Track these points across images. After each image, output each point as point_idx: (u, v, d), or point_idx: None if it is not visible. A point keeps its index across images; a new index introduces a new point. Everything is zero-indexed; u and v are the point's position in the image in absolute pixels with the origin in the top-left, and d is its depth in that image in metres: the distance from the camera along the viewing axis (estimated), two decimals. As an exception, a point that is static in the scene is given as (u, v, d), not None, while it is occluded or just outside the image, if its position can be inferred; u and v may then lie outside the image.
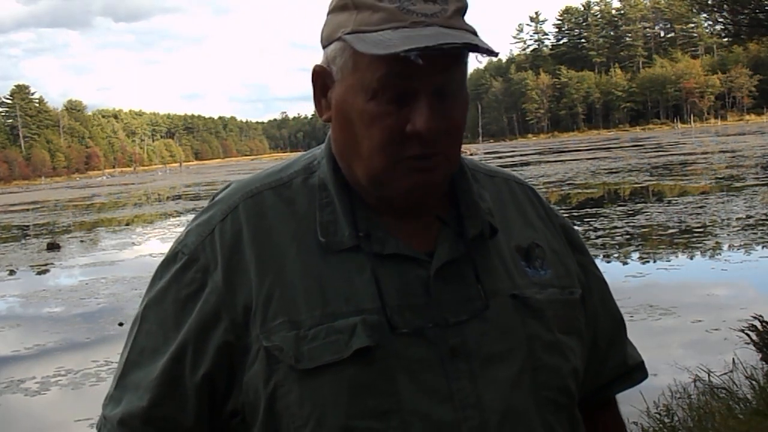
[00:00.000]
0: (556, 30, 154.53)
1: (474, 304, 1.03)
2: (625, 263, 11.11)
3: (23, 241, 21.45)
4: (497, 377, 1.01)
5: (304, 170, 1.10)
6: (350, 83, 0.99)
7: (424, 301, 1.01)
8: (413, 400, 0.98)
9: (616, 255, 11.68)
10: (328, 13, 1.03)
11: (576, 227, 1.34)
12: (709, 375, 4.95)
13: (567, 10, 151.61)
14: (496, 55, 0.95)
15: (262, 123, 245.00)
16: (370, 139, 0.99)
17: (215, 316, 1.02)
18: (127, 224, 24.83)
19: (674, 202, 17.57)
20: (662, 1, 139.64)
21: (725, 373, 4.96)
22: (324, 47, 1.04)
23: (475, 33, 0.98)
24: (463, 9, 0.99)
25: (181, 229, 1.13)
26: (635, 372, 1.24)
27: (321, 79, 1.04)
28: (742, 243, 11.84)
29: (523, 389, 1.02)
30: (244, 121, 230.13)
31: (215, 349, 1.02)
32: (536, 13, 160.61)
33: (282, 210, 1.06)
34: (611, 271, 10.08)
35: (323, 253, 1.03)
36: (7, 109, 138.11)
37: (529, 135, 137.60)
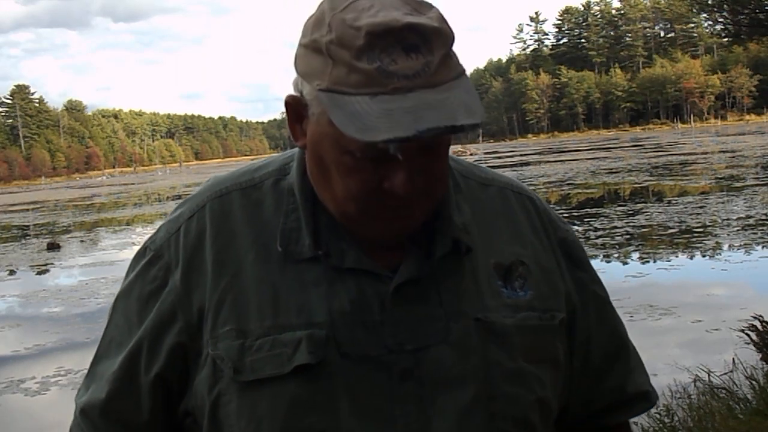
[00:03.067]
0: (556, 30, 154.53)
1: (434, 326, 0.98)
2: (625, 263, 11.10)
3: (23, 241, 21.46)
4: (449, 404, 0.97)
5: (278, 171, 1.06)
6: (326, 132, 0.92)
7: (380, 319, 0.97)
8: (353, 422, 0.95)
9: (616, 255, 11.67)
10: (301, 44, 0.95)
11: (576, 227, 1.30)
12: (709, 375, 4.95)
13: (567, 10, 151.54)
14: (478, 126, 0.87)
15: (262, 123, 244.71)
16: (345, 188, 0.94)
17: (171, 316, 1.01)
18: (127, 224, 24.86)
19: (674, 202, 17.56)
20: (662, 1, 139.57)
21: (725, 373, 4.95)
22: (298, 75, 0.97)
23: (461, 75, 0.91)
24: (450, 53, 0.90)
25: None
26: (636, 401, 1.15)
27: (294, 108, 0.97)
28: (742, 243, 11.83)
29: (476, 418, 0.97)
30: (244, 121, 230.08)
31: (168, 350, 1.01)
32: (536, 13, 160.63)
33: (248, 212, 1.03)
34: (611, 271, 10.09)
35: (282, 261, 0.99)
36: (7, 109, 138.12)
37: (529, 135, 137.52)
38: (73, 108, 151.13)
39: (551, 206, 1.23)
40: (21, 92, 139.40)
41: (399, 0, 0.91)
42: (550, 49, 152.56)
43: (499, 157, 51.96)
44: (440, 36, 0.89)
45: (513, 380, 1.00)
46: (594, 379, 1.12)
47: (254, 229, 1.02)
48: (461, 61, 0.94)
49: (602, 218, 15.52)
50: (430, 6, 0.94)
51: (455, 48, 0.93)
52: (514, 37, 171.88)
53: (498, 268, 1.04)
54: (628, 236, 13.29)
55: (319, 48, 0.90)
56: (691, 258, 11.30)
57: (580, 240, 1.20)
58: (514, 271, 1.05)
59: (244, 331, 0.98)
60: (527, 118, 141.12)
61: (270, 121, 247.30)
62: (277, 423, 0.96)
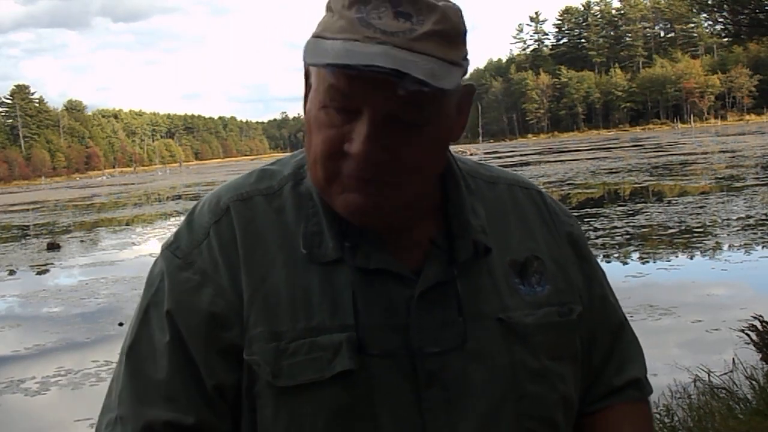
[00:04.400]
0: (556, 30, 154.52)
1: (457, 329, 0.98)
2: (625, 263, 11.10)
3: (23, 241, 21.44)
4: (475, 407, 0.96)
5: (294, 176, 1.05)
6: (312, 87, 0.96)
7: (406, 322, 0.96)
8: (389, 428, 0.94)
9: (616, 255, 11.67)
10: None
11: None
12: (709, 375, 4.95)
13: (567, 10, 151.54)
14: (427, 85, 0.84)
15: (262, 123, 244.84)
16: (315, 147, 0.95)
17: (214, 316, 0.99)
18: (127, 224, 24.84)
19: (674, 202, 17.56)
20: (662, 1, 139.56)
21: (725, 373, 4.95)
22: None
23: (453, 63, 0.89)
24: (444, 33, 0.89)
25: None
26: (629, 388, 1.13)
27: (305, 77, 1.00)
28: (742, 243, 11.83)
29: (504, 420, 0.97)
30: (244, 121, 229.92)
31: (220, 350, 0.98)
32: (536, 13, 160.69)
33: (272, 218, 1.02)
34: (611, 271, 10.05)
35: (309, 264, 0.98)
36: (7, 109, 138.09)
37: (529, 135, 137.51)
38: (73, 108, 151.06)
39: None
40: (21, 92, 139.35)
41: None
42: (550, 49, 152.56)
43: (500, 157, 51.95)
44: (437, 13, 0.89)
45: (538, 380, 1.00)
46: (596, 372, 1.12)
47: (279, 233, 1.00)
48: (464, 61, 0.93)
49: (602, 218, 15.51)
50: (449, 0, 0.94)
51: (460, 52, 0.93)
52: (514, 37, 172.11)
53: (513, 265, 1.04)
54: (628, 236, 13.29)
55: (327, 5, 0.94)
56: (691, 258, 11.30)
57: (582, 239, 1.20)
58: (530, 267, 1.05)
59: (277, 333, 0.96)
60: (527, 118, 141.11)
61: (270, 121, 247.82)
62: (317, 429, 0.94)
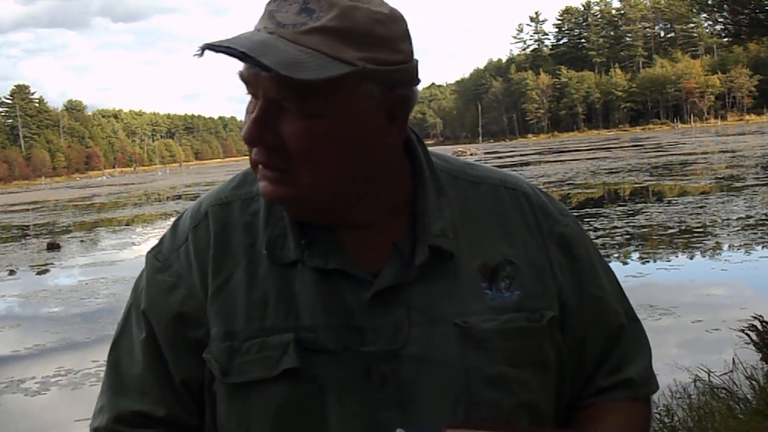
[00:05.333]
0: (556, 30, 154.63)
1: (412, 331, 0.98)
2: (625, 263, 11.09)
3: (23, 241, 21.45)
4: (428, 410, 0.97)
5: None
6: None
7: (360, 324, 0.98)
8: (339, 426, 0.96)
9: (616, 255, 11.67)
10: None
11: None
12: (709, 375, 4.95)
13: (567, 10, 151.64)
14: (268, 70, 0.87)
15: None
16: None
17: (182, 316, 1.05)
18: (127, 224, 24.86)
19: (674, 202, 17.56)
20: (662, 1, 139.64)
21: (725, 373, 4.95)
22: None
23: (341, 61, 0.89)
24: (338, 30, 0.90)
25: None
26: (635, 385, 1.12)
27: None
28: (742, 243, 11.83)
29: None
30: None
31: (185, 347, 1.04)
32: (536, 13, 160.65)
33: (245, 222, 1.05)
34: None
35: (270, 266, 1.01)
36: (7, 109, 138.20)
37: (529, 135, 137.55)
38: (73, 108, 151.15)
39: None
40: (21, 92, 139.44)
41: None
42: (550, 49, 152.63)
43: (500, 157, 51.94)
44: (336, 10, 0.91)
45: (493, 385, 0.99)
46: (589, 373, 1.11)
47: (250, 237, 1.04)
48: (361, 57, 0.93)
49: (602, 218, 15.52)
50: (383, 7, 0.95)
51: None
52: (514, 37, 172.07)
53: (484, 269, 1.04)
54: (628, 236, 13.29)
55: None
56: (691, 258, 11.30)
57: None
58: (501, 272, 1.04)
59: (232, 333, 0.99)
60: (527, 118, 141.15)
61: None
62: (265, 426, 0.97)
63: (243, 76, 0.95)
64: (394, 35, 0.94)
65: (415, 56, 0.99)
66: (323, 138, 0.93)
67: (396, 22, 0.95)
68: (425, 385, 0.98)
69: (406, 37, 0.97)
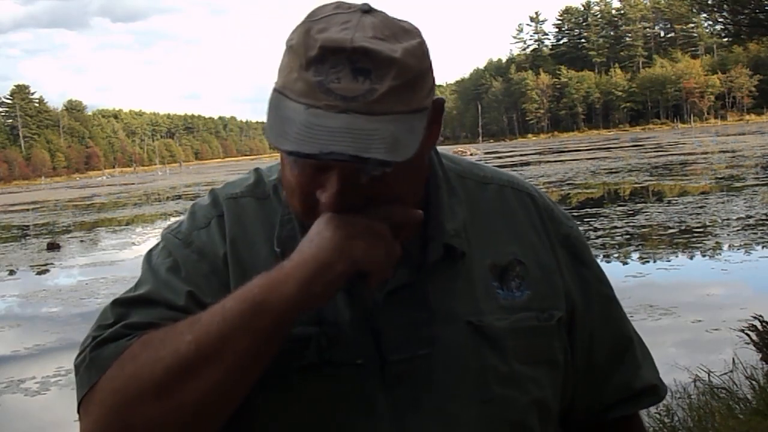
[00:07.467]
0: (556, 30, 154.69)
1: (425, 331, 0.99)
2: (625, 263, 11.09)
3: (23, 241, 21.45)
4: (442, 409, 0.98)
5: (280, 180, 1.07)
6: None
7: (373, 324, 0.98)
8: (351, 424, 0.96)
9: (616, 255, 11.67)
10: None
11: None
12: (709, 375, 4.95)
13: (567, 10, 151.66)
14: (389, 165, 0.85)
15: (262, 123, 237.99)
16: (288, 182, 0.98)
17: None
18: (127, 224, 24.84)
19: (674, 202, 17.55)
20: (662, 1, 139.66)
21: (725, 373, 4.95)
22: None
23: (416, 111, 0.89)
24: (406, 84, 0.88)
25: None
26: (643, 395, 1.15)
27: None
28: (742, 243, 11.82)
29: (472, 423, 0.98)
30: (244, 121, 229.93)
31: None
32: (536, 13, 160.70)
33: (260, 218, 1.06)
34: (611, 271, 10.03)
35: None
36: (7, 109, 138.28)
37: (529, 135, 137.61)
38: (73, 108, 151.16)
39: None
40: (21, 92, 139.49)
41: (381, 22, 0.91)
42: (550, 49, 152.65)
43: (500, 157, 51.91)
44: (396, 66, 0.87)
45: (507, 383, 1.01)
46: (600, 377, 1.12)
47: (265, 231, 1.04)
48: (427, 93, 0.93)
49: (602, 218, 15.50)
50: (412, 36, 0.92)
51: (420, 83, 0.91)
52: (514, 37, 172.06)
53: (494, 269, 1.05)
54: (628, 236, 13.28)
55: (289, 46, 0.92)
56: (691, 258, 11.30)
57: (582, 239, 1.20)
58: (511, 271, 1.05)
59: None
60: (527, 118, 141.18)
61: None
62: (285, 417, 0.97)
63: (312, 164, 0.90)
64: (426, 54, 0.94)
65: None
66: (407, 176, 0.94)
67: (419, 37, 0.94)
68: (440, 384, 0.98)
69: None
